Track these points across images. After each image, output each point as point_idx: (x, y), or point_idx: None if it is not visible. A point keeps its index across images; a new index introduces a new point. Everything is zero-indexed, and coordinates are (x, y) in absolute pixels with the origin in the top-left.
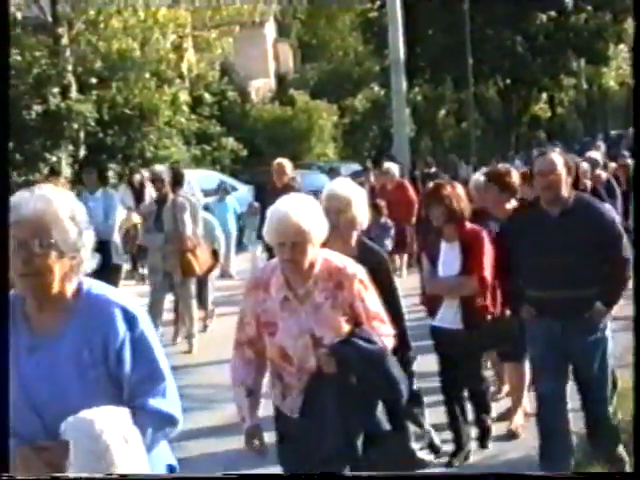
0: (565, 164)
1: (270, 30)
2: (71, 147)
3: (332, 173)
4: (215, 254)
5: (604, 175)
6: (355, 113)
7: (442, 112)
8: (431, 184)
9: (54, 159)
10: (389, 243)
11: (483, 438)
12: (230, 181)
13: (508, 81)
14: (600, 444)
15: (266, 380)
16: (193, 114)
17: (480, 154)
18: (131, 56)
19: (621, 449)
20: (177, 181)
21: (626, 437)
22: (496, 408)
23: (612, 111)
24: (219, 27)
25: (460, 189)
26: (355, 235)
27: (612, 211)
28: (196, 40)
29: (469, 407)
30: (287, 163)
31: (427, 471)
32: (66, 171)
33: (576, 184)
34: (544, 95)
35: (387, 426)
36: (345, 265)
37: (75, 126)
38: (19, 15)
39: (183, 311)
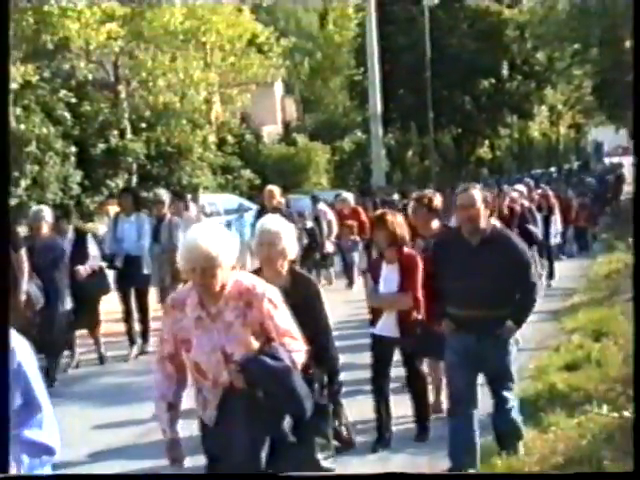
0: (483, 199)
1: (279, 88)
2: (126, 176)
3: (314, 199)
4: None
5: (527, 204)
6: (343, 152)
7: (409, 153)
8: (377, 212)
9: (113, 185)
10: (357, 255)
11: (422, 432)
12: (247, 203)
13: (460, 130)
14: (502, 434)
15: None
16: (219, 151)
17: (438, 185)
18: (172, 107)
19: (520, 445)
20: (184, 201)
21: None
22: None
23: (536, 155)
24: (240, 85)
25: (400, 218)
26: (286, 265)
27: (522, 243)
28: (222, 95)
29: (409, 404)
30: (276, 189)
31: (427, 471)
32: None
33: (499, 213)
34: (486, 141)
35: (292, 438)
36: (254, 285)
37: (129, 160)
38: (90, 76)
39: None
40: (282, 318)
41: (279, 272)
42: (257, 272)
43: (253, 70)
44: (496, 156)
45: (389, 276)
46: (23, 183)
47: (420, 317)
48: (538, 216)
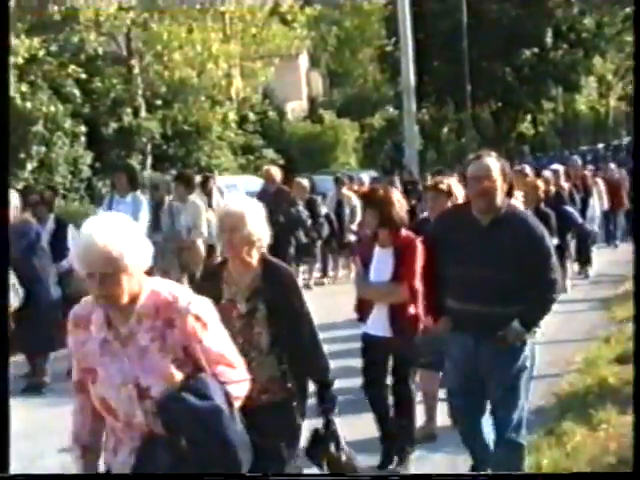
0: (501, 170)
1: (304, 61)
2: (140, 157)
3: (338, 182)
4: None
5: (566, 185)
6: (373, 130)
7: (445, 130)
8: (365, 188)
9: None
10: None
11: (385, 460)
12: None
13: (499, 104)
14: (498, 461)
15: None
16: (240, 129)
17: None
18: (190, 82)
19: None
20: (190, 185)
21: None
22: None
23: (583, 131)
24: (262, 59)
25: (397, 195)
26: (255, 254)
27: (542, 227)
28: (243, 69)
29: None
30: (276, 171)
31: (426, 472)
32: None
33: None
34: (528, 116)
35: None
36: (176, 297)
37: (144, 140)
38: (100, 50)
39: None
40: (214, 340)
41: (247, 263)
42: (222, 265)
43: (276, 42)
44: (539, 132)
45: (381, 262)
46: (29, 165)
47: (417, 313)
48: (577, 197)
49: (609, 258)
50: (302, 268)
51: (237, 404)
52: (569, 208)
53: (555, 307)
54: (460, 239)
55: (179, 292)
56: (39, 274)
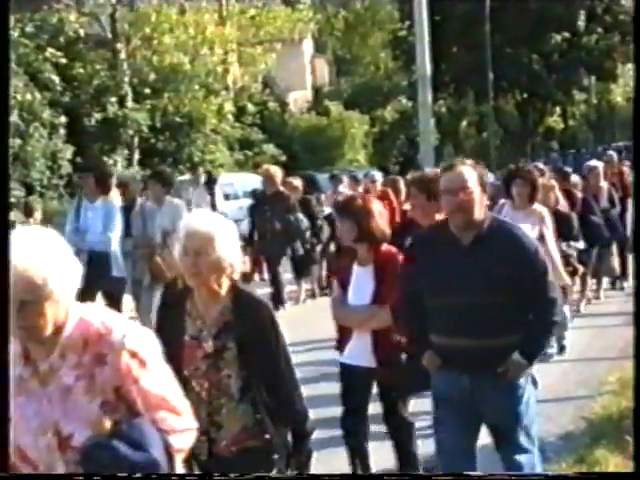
0: (479, 180)
1: (308, 47)
2: (126, 151)
3: (334, 180)
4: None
5: (604, 184)
6: (384, 123)
7: (464, 123)
8: (342, 197)
9: (111, 162)
10: None
11: None
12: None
13: (525, 95)
14: None
15: None
16: (237, 122)
17: (499, 162)
18: (181, 69)
19: None
20: (168, 184)
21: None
22: None
23: (619, 124)
24: (262, 44)
25: (378, 205)
26: (226, 281)
27: (533, 241)
28: (241, 55)
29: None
30: (277, 171)
31: (426, 472)
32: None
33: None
34: (557, 108)
35: None
36: (109, 329)
37: (130, 132)
38: (82, 32)
39: (147, 316)
40: (154, 380)
41: (215, 293)
42: (186, 293)
43: (277, 25)
44: (569, 126)
45: (361, 282)
46: None
47: (404, 339)
48: (616, 199)
49: None
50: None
51: (179, 457)
52: (596, 219)
53: (586, 322)
54: (439, 262)
55: (114, 322)
56: None
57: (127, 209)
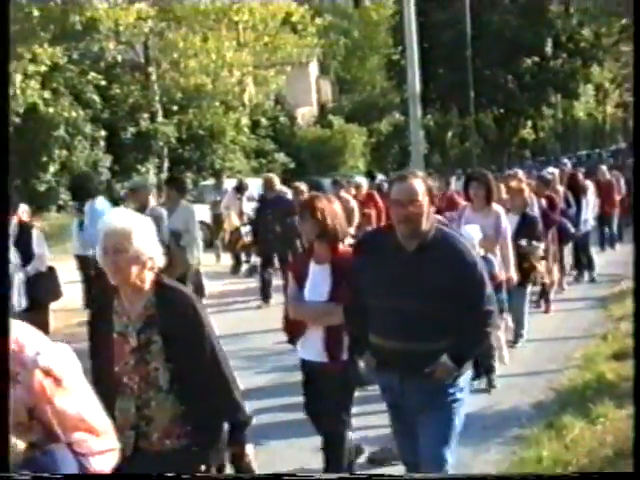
0: (427, 192)
1: (314, 69)
2: (157, 160)
3: (335, 184)
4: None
5: (560, 188)
6: (380, 134)
7: (449, 134)
8: (306, 196)
9: (143, 169)
10: None
11: None
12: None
13: (501, 110)
14: None
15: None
16: (252, 134)
17: (479, 168)
18: (204, 89)
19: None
20: (182, 188)
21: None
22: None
23: (582, 136)
24: (274, 66)
25: (337, 206)
26: (148, 275)
27: (473, 251)
28: (256, 76)
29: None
30: (275, 178)
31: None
32: (152, 179)
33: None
34: (529, 122)
35: None
36: (22, 346)
37: (160, 143)
38: (119, 58)
39: None
40: (71, 400)
41: (138, 288)
42: (112, 292)
43: (287, 50)
44: (539, 137)
45: (317, 280)
46: (52, 168)
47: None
48: (572, 201)
49: (606, 259)
50: None
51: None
52: (564, 220)
53: (555, 306)
54: (382, 266)
55: (27, 339)
56: None
57: (139, 212)
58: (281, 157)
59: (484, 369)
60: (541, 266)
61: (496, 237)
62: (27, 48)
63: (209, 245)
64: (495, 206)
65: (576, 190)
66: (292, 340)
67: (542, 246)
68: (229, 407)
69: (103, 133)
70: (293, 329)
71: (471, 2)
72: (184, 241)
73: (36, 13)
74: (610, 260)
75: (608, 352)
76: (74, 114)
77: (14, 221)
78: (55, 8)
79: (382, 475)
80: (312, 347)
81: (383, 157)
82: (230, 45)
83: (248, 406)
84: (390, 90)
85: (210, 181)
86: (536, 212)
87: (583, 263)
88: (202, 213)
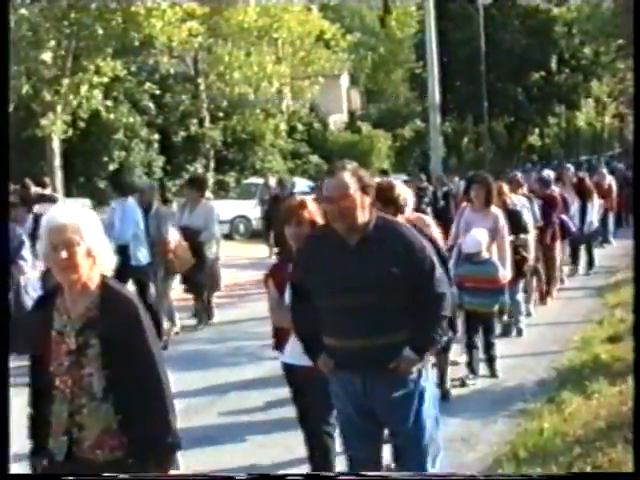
0: (359, 183)
1: (344, 80)
2: (204, 161)
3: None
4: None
5: (556, 189)
6: (404, 139)
7: (465, 140)
8: (292, 199)
9: (192, 169)
10: None
11: None
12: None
13: (512, 119)
14: None
15: None
16: (289, 138)
17: (492, 171)
18: (247, 98)
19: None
20: (201, 187)
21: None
22: None
23: (582, 142)
24: (309, 78)
25: (314, 207)
26: (97, 275)
27: (419, 238)
28: (293, 87)
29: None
30: (287, 179)
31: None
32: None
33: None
34: (536, 130)
35: None
36: None
37: (207, 146)
38: (172, 70)
39: (161, 302)
40: None
41: (85, 286)
42: (58, 289)
43: (321, 63)
44: (545, 143)
45: None
46: (111, 167)
47: None
48: (569, 202)
49: (603, 252)
50: None
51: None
52: (565, 218)
53: (557, 294)
54: (327, 265)
55: None
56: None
57: (145, 211)
58: (315, 159)
59: (486, 359)
60: (531, 257)
61: (493, 237)
62: (91, 61)
63: (250, 237)
64: (494, 208)
65: (584, 193)
66: (278, 346)
67: (530, 237)
68: (159, 426)
69: (157, 136)
70: (279, 335)
71: (485, 23)
72: (203, 237)
73: (100, 31)
74: (606, 254)
75: (603, 336)
76: (132, 120)
77: (30, 216)
78: (117, 26)
79: (382, 475)
80: (297, 352)
81: (406, 160)
82: (270, 59)
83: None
84: (413, 100)
85: (252, 179)
86: (537, 211)
87: (582, 259)
88: (245, 209)
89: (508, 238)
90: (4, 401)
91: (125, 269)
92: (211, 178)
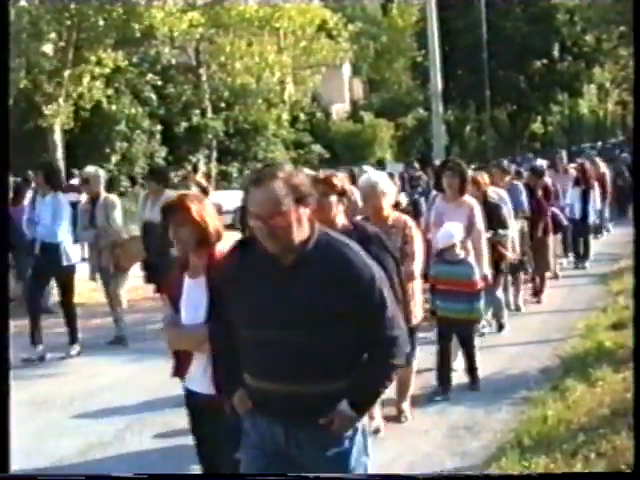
0: (294, 194)
1: (347, 70)
2: (206, 151)
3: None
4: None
5: (549, 180)
6: (406, 128)
7: (468, 128)
8: (174, 195)
9: (194, 160)
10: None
11: None
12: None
13: (514, 107)
14: None
15: None
16: (291, 128)
17: (494, 158)
18: (249, 88)
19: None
20: (163, 179)
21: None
22: None
23: (585, 130)
24: (311, 67)
25: (209, 203)
26: None
27: (370, 264)
28: (294, 77)
29: None
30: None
31: (426, 472)
32: (202, 168)
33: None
34: (539, 118)
35: None
36: None
37: (209, 137)
38: (173, 61)
39: (113, 301)
40: None
41: None
42: None
43: (323, 53)
44: (548, 131)
45: (193, 297)
46: (114, 159)
47: None
48: (576, 193)
49: (606, 240)
50: None
51: None
52: (554, 209)
53: (561, 282)
54: (250, 286)
55: None
56: None
57: (92, 202)
58: (317, 149)
59: (467, 370)
60: (510, 254)
61: (469, 230)
62: (93, 53)
63: None
64: (468, 198)
65: (585, 181)
66: (178, 372)
67: (509, 232)
68: None
69: (159, 127)
70: (180, 358)
71: (487, 11)
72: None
73: (101, 22)
74: (609, 241)
75: (607, 323)
76: (134, 111)
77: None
78: (118, 17)
79: (382, 475)
80: (196, 377)
81: (408, 149)
82: (272, 49)
83: None
84: (415, 89)
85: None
86: (524, 201)
87: (580, 251)
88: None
89: (485, 233)
90: (4, 401)
91: (55, 268)
92: (214, 168)
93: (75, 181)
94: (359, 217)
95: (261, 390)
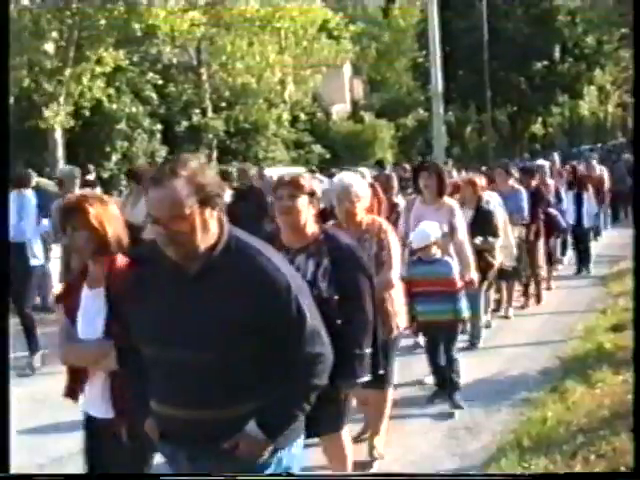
0: (198, 195)
1: (347, 69)
2: (207, 151)
3: (330, 178)
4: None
5: (551, 181)
6: (406, 129)
7: (468, 129)
8: (72, 197)
9: None
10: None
11: None
12: (318, 175)
13: (515, 108)
14: None
15: None
16: (292, 128)
17: (494, 159)
18: (250, 88)
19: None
20: (140, 180)
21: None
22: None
23: (585, 131)
24: (312, 67)
25: (114, 207)
26: None
27: (285, 272)
28: (295, 76)
29: None
30: (248, 167)
31: (426, 472)
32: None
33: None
34: (539, 119)
35: None
36: None
37: (210, 136)
38: (174, 60)
39: None
40: None
41: None
42: None
43: (324, 53)
44: (548, 133)
45: (91, 309)
46: (114, 157)
47: None
48: (569, 196)
49: (605, 242)
50: None
51: None
52: (553, 211)
53: (560, 283)
54: (151, 298)
55: None
56: None
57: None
58: (318, 149)
59: (449, 389)
60: (497, 263)
61: (450, 235)
62: (94, 52)
63: None
64: (448, 200)
65: (578, 184)
66: (73, 392)
67: (499, 241)
68: None
69: (160, 127)
70: (74, 376)
71: (488, 12)
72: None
73: (102, 21)
74: (609, 243)
75: (607, 325)
76: (134, 110)
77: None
78: (119, 16)
79: (383, 475)
80: (95, 400)
81: (409, 149)
82: (273, 48)
83: None
84: (415, 89)
85: (254, 170)
86: (525, 208)
87: (581, 257)
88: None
89: (476, 239)
90: (4, 401)
91: (25, 270)
92: (214, 168)
93: (91, 177)
94: (331, 222)
95: (163, 416)
